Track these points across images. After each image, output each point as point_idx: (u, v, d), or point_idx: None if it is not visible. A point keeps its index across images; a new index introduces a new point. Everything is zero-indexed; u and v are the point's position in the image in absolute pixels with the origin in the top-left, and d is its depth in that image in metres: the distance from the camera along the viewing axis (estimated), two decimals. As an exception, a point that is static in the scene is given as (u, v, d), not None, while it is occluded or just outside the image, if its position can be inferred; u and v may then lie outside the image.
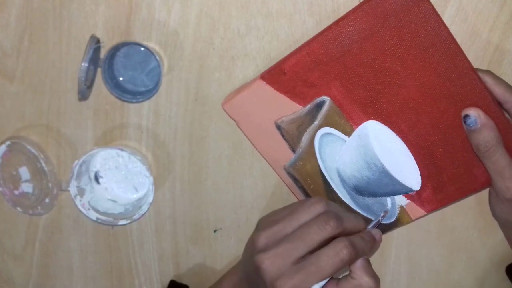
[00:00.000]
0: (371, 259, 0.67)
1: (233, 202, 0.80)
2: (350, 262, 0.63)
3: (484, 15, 0.70)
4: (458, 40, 0.64)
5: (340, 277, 0.66)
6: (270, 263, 0.63)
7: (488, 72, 0.66)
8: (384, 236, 0.76)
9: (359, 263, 0.64)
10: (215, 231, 0.81)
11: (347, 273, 0.65)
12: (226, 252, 0.82)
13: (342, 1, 0.71)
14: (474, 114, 0.65)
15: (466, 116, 0.65)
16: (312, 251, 0.63)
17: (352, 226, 0.66)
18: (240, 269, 0.72)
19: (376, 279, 0.65)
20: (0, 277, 0.86)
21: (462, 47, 0.64)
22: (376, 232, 0.68)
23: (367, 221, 0.70)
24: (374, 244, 0.67)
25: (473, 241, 0.79)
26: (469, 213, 0.77)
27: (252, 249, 0.66)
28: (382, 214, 0.71)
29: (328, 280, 0.64)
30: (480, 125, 0.65)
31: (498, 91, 0.65)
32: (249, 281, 0.68)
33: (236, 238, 0.81)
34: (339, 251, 0.62)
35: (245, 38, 0.74)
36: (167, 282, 0.82)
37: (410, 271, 0.81)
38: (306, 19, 0.72)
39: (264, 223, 0.68)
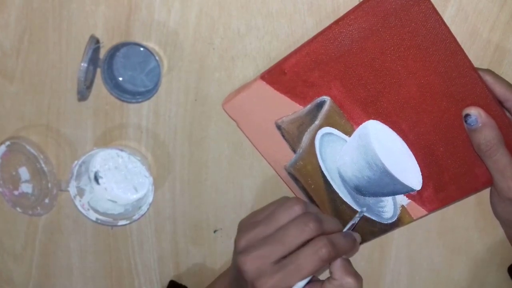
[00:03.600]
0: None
1: (233, 202, 0.80)
2: (329, 260, 0.64)
3: (484, 15, 0.70)
4: (459, 40, 0.64)
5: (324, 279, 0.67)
6: (250, 264, 0.64)
7: (488, 71, 0.66)
8: (384, 236, 0.76)
9: (339, 263, 0.65)
10: (215, 231, 0.81)
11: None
12: (226, 252, 0.82)
13: (342, 1, 0.71)
14: (475, 113, 0.65)
15: (467, 115, 0.65)
16: (292, 252, 0.64)
17: (331, 228, 0.66)
18: (230, 271, 0.73)
19: (358, 278, 0.65)
20: (0, 277, 0.86)
21: (462, 47, 0.64)
22: (356, 234, 0.70)
23: (369, 221, 0.70)
24: (354, 245, 0.68)
25: (473, 241, 0.78)
26: (470, 213, 0.77)
27: (234, 251, 0.67)
28: (357, 216, 0.72)
29: (312, 281, 0.65)
30: (481, 124, 0.65)
31: (498, 90, 0.65)
32: (238, 283, 0.69)
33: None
34: (318, 249, 0.63)
35: (245, 38, 0.73)
36: (167, 282, 0.82)
37: (410, 271, 0.80)
38: (306, 19, 0.72)
39: (244, 225, 0.69)
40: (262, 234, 0.66)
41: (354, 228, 0.71)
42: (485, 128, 0.65)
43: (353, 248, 0.68)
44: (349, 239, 0.67)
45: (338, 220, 0.70)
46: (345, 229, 0.69)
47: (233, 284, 0.71)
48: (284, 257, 0.64)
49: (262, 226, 0.66)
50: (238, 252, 0.66)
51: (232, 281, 0.71)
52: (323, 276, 0.68)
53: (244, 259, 0.64)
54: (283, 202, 0.68)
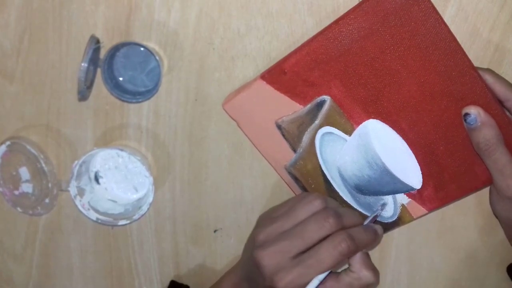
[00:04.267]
0: (372, 259, 0.67)
1: (233, 202, 0.80)
2: (349, 255, 0.64)
3: (484, 15, 0.70)
4: (458, 39, 0.64)
5: (339, 270, 0.66)
6: (269, 258, 0.64)
7: (488, 70, 0.66)
8: (384, 236, 0.76)
9: (358, 256, 0.65)
10: (215, 231, 0.81)
11: (347, 266, 0.66)
12: (226, 252, 0.82)
13: (342, 1, 0.71)
14: (474, 112, 0.65)
15: (467, 114, 0.65)
16: (311, 248, 0.64)
17: (351, 222, 0.66)
18: (239, 268, 0.73)
19: (375, 272, 0.65)
20: (0, 277, 0.86)
21: (462, 47, 0.64)
22: (377, 227, 0.69)
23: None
24: (375, 238, 0.68)
25: (473, 241, 0.78)
26: (469, 213, 0.77)
27: (252, 247, 0.67)
28: (379, 207, 0.72)
29: (328, 274, 0.65)
30: (480, 123, 0.65)
31: (499, 89, 0.65)
32: (249, 280, 0.69)
33: (236, 238, 0.81)
34: (337, 244, 0.63)
35: (245, 38, 0.73)
36: (167, 282, 0.82)
37: (410, 270, 0.80)
38: (306, 19, 0.72)
39: (264, 220, 0.69)
40: (281, 228, 0.66)
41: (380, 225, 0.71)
42: (485, 127, 0.65)
43: (374, 241, 0.68)
44: (369, 233, 0.67)
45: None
46: (366, 222, 0.69)
47: (243, 281, 0.71)
48: (303, 252, 0.64)
49: (281, 221, 0.66)
50: (256, 246, 0.66)
51: (242, 278, 0.71)
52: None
53: (262, 254, 0.64)
54: (302, 197, 0.68)
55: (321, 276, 0.63)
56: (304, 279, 0.63)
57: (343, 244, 0.63)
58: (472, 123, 0.65)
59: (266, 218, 0.69)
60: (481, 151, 0.65)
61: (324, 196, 0.68)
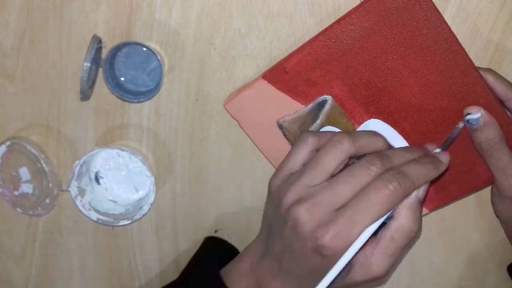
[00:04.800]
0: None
1: (233, 202, 0.80)
2: (404, 193, 0.57)
3: (484, 15, 0.70)
4: (459, 39, 0.64)
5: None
6: (309, 213, 0.56)
7: (489, 70, 0.66)
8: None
9: (407, 201, 0.58)
10: (216, 231, 0.81)
11: None
12: (227, 252, 0.82)
13: (343, 1, 0.71)
14: (477, 113, 0.65)
15: (469, 114, 0.65)
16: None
17: (402, 160, 0.59)
18: (259, 246, 0.65)
19: (419, 224, 0.59)
20: (0, 278, 0.86)
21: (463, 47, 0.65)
22: (440, 154, 0.62)
23: None
24: (436, 167, 0.60)
25: (473, 241, 0.79)
26: (470, 213, 0.77)
27: (276, 214, 0.60)
28: (457, 130, 0.66)
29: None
30: (482, 123, 0.65)
31: (500, 89, 0.66)
32: (278, 256, 0.61)
33: (237, 238, 0.81)
34: (387, 182, 0.56)
35: (246, 38, 0.74)
36: (167, 282, 0.82)
37: (410, 271, 0.81)
38: (307, 19, 0.72)
39: (283, 182, 0.61)
40: (312, 182, 0.58)
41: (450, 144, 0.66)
42: (487, 127, 0.65)
43: (434, 171, 0.60)
44: (427, 164, 0.59)
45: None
46: (438, 150, 0.63)
47: (267, 259, 0.62)
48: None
49: (307, 176, 0.58)
50: (286, 207, 0.58)
51: (266, 254, 0.63)
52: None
53: (299, 210, 0.56)
54: (324, 141, 0.60)
55: (371, 229, 0.55)
56: (353, 229, 0.55)
57: (394, 182, 0.55)
58: (474, 123, 0.65)
59: (284, 179, 0.61)
60: (484, 151, 0.66)
61: (350, 134, 0.60)
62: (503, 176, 0.66)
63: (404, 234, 0.58)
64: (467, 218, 0.78)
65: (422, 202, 0.60)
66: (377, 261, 0.59)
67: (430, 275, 0.81)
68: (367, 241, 0.57)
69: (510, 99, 0.66)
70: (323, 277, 0.56)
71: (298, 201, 0.57)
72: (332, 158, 0.58)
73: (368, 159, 0.58)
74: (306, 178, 0.59)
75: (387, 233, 0.58)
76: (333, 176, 0.59)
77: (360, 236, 0.56)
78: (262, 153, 0.75)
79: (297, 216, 0.56)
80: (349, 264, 0.58)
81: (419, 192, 0.59)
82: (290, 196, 0.58)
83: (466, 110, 0.66)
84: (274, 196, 0.61)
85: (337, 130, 0.71)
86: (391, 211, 0.58)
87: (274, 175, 0.63)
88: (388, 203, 0.56)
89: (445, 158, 0.61)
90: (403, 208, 0.58)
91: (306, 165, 0.60)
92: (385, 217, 0.57)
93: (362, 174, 0.57)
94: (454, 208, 0.76)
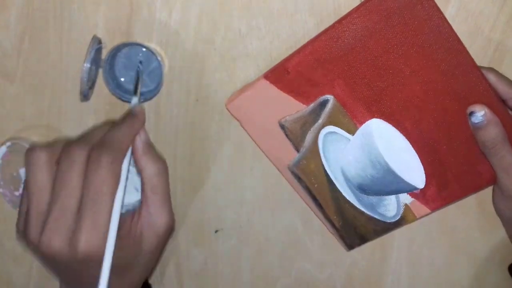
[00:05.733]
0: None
1: (234, 203, 0.80)
2: (119, 157, 0.56)
3: (485, 14, 0.70)
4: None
5: None
6: (55, 239, 0.54)
7: (491, 69, 0.66)
8: (385, 236, 0.76)
9: (137, 153, 0.59)
10: (216, 231, 0.81)
11: None
12: (227, 253, 0.81)
13: (343, 1, 0.71)
14: (481, 111, 0.65)
15: (472, 112, 0.65)
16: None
17: (97, 136, 0.58)
18: None
19: (160, 159, 0.60)
20: (0, 278, 0.85)
21: (463, 46, 0.65)
22: (136, 108, 0.62)
23: (373, 220, 0.70)
24: (133, 120, 0.61)
25: (474, 241, 0.79)
26: (470, 213, 0.77)
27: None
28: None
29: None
30: (486, 122, 0.65)
31: (501, 88, 0.66)
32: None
33: (237, 238, 0.81)
34: (96, 161, 0.54)
35: (246, 38, 0.74)
36: (168, 283, 0.82)
37: (411, 271, 0.81)
38: (307, 19, 0.72)
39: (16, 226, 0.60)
40: (38, 208, 0.56)
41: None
42: (490, 126, 0.65)
43: (133, 124, 0.60)
44: (122, 125, 0.59)
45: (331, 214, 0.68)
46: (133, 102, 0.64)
47: None
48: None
49: (24, 202, 0.57)
50: (34, 247, 0.56)
51: None
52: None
53: (47, 243, 0.54)
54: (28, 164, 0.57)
55: (118, 204, 0.55)
56: (99, 220, 0.54)
57: (102, 157, 0.54)
58: (478, 121, 0.65)
59: (17, 223, 0.59)
60: (487, 149, 0.66)
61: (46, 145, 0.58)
62: (506, 175, 0.66)
63: (156, 176, 0.59)
64: (468, 218, 0.78)
65: (149, 142, 0.61)
66: (158, 215, 0.60)
67: (431, 275, 0.81)
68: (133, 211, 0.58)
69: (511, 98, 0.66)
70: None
71: (41, 234, 0.55)
72: (66, 172, 0.55)
73: (66, 151, 0.56)
74: (31, 206, 0.57)
75: (146, 189, 0.59)
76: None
77: (111, 219, 0.55)
78: (264, 153, 0.75)
79: (47, 250, 0.54)
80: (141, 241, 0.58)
81: (141, 137, 0.60)
82: (31, 236, 0.56)
83: (469, 109, 0.66)
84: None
85: (339, 130, 0.71)
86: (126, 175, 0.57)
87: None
88: (112, 176, 0.55)
89: (138, 110, 0.62)
90: (140, 160, 0.59)
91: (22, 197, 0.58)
92: (123, 184, 0.57)
93: (70, 169, 0.55)
94: (455, 208, 0.76)
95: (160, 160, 0.60)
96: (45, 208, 0.55)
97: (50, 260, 0.56)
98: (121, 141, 0.57)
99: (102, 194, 0.54)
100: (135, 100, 0.68)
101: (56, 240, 0.53)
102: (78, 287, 0.58)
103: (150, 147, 0.60)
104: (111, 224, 0.54)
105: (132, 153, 0.59)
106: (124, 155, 0.57)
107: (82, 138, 0.58)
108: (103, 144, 0.56)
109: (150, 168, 0.59)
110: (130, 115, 0.61)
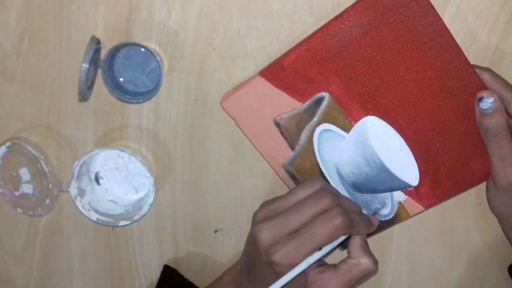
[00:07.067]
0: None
1: (233, 203, 0.80)
2: (344, 230, 0.63)
3: (484, 15, 0.70)
4: (458, 40, 0.65)
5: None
6: (266, 232, 0.64)
7: (487, 69, 0.66)
8: (384, 236, 0.76)
9: (357, 242, 0.65)
10: (215, 231, 0.81)
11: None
12: (227, 252, 0.82)
13: (342, 1, 0.71)
14: (490, 97, 0.65)
15: (482, 98, 0.65)
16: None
17: (348, 206, 0.66)
18: (239, 262, 0.73)
19: (375, 260, 0.65)
20: (0, 278, 0.86)
21: (462, 47, 0.65)
22: (373, 218, 0.69)
23: None
24: (369, 225, 0.68)
25: (473, 241, 0.79)
26: (470, 213, 0.77)
27: (251, 239, 0.66)
28: (379, 207, 0.73)
29: (324, 265, 0.65)
30: (494, 109, 0.65)
31: (494, 88, 0.66)
32: (248, 271, 0.69)
33: (237, 238, 0.81)
34: (333, 217, 0.62)
35: (245, 39, 0.74)
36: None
37: (410, 271, 0.80)
38: (306, 19, 0.72)
39: (265, 203, 0.69)
40: (280, 207, 0.66)
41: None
42: (497, 113, 0.65)
43: (368, 227, 0.68)
44: (364, 219, 0.67)
45: None
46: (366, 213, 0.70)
47: (242, 273, 0.71)
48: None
49: (280, 201, 0.67)
50: (254, 223, 0.66)
51: (241, 270, 0.71)
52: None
53: (260, 228, 0.64)
54: (303, 182, 0.68)
55: (316, 256, 0.63)
56: (299, 252, 0.62)
57: (338, 218, 0.62)
58: (486, 108, 0.65)
59: (267, 201, 0.69)
60: (490, 137, 0.66)
61: (324, 181, 0.68)
62: (501, 163, 0.66)
63: (358, 269, 0.65)
64: (467, 218, 0.78)
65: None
66: (331, 286, 0.65)
67: (430, 275, 0.80)
68: (326, 267, 0.65)
69: (505, 98, 0.66)
70: None
71: (262, 221, 0.65)
72: (311, 206, 0.65)
73: (322, 193, 0.65)
74: (276, 204, 0.67)
75: (344, 266, 0.65)
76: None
77: (304, 259, 0.63)
78: (258, 151, 0.75)
79: (257, 233, 0.64)
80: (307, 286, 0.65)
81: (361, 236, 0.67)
82: (260, 216, 0.67)
83: (479, 94, 0.65)
84: (255, 212, 0.68)
85: (335, 127, 0.71)
86: (341, 241, 0.64)
87: (265, 201, 0.70)
88: (330, 236, 0.63)
89: (375, 221, 0.69)
90: (356, 249, 0.65)
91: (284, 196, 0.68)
92: (330, 246, 0.64)
93: (311, 205, 0.64)
94: (454, 208, 0.76)
95: (372, 259, 0.65)
96: (279, 210, 0.66)
97: (249, 243, 0.67)
98: (355, 223, 0.64)
99: (315, 239, 0.62)
100: (385, 211, 0.75)
101: (265, 232, 0.64)
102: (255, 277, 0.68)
103: (367, 244, 0.67)
104: (305, 261, 0.63)
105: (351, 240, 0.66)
106: (341, 238, 0.64)
107: (344, 198, 0.67)
108: (347, 210, 0.64)
109: (363, 260, 0.65)
110: (369, 220, 0.69)
